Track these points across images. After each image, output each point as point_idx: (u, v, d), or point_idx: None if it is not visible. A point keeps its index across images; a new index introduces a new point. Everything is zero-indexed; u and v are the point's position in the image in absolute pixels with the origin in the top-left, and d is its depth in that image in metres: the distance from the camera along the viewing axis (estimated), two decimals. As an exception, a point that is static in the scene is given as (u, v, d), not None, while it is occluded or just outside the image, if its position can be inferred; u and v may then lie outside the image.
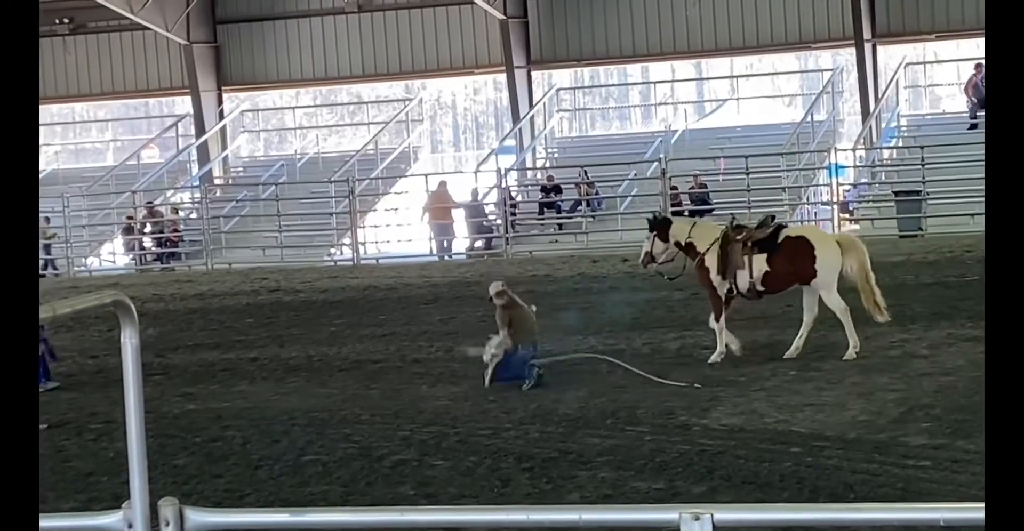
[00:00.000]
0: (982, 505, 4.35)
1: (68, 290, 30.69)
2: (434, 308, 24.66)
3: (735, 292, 17.66)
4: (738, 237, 17.62)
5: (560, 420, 14.49)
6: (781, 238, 17.55)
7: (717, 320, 17.69)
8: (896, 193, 35.03)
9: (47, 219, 40.77)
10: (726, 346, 17.64)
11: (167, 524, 4.74)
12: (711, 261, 17.65)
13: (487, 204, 39.05)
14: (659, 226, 18.35)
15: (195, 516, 4.77)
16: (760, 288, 17.61)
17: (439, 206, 38.42)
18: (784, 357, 17.36)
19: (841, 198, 36.58)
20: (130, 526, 4.77)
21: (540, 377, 16.50)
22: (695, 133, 41.42)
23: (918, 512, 4.71)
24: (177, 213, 43.10)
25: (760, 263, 17.46)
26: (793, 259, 17.43)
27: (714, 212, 36.98)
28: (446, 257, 37.93)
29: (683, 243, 17.96)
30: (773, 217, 18.62)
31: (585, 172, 38.02)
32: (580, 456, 12.73)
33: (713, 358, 17.58)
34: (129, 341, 4.81)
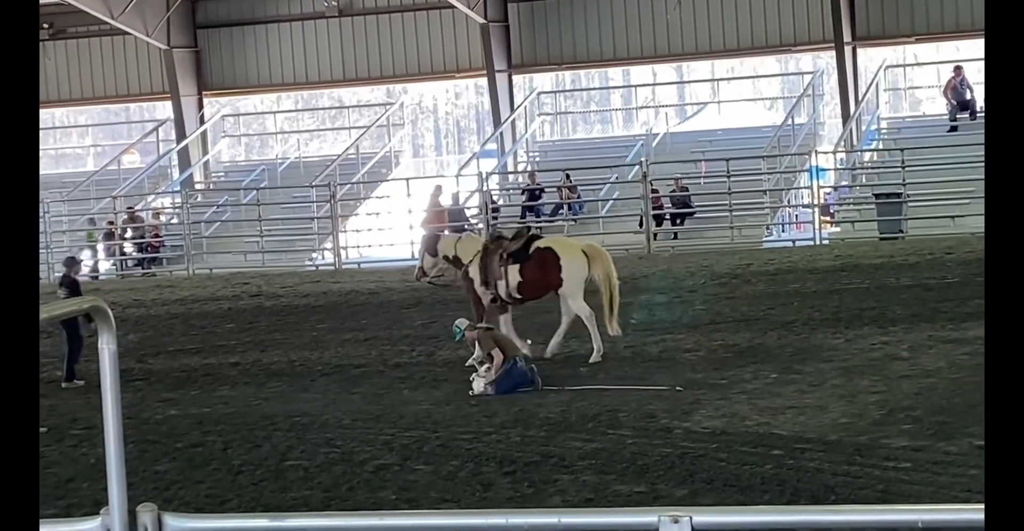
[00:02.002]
0: (962, 507, 4.35)
1: (47, 295, 30.56)
2: (415, 312, 24.64)
3: (499, 300, 18.87)
4: (496, 249, 18.93)
5: (542, 424, 14.49)
6: (532, 249, 18.80)
7: (481, 320, 18.85)
8: (876, 196, 35.10)
9: (91, 220, 40.62)
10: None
11: (145, 530, 4.73)
12: (474, 272, 18.98)
13: (469, 208, 39.05)
14: (427, 243, 19.94)
15: (173, 522, 4.76)
16: (517, 296, 18.84)
17: (435, 210, 38.29)
18: (545, 356, 18.29)
19: (822, 201, 36.68)
20: (108, 532, 4.75)
21: (534, 372, 16.67)
22: (676, 136, 41.45)
23: (899, 514, 4.71)
24: (158, 218, 43.04)
25: (514, 273, 18.72)
26: (542, 269, 18.64)
27: (695, 215, 37.07)
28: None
29: (450, 257, 19.39)
30: (528, 229, 19.92)
31: (567, 176, 38.04)
32: (562, 460, 12.73)
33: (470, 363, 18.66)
34: (107, 347, 4.80)
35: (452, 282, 20.02)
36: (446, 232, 23.66)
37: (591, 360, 18.13)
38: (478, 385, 16.59)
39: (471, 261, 18.96)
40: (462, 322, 17.39)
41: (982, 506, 4.31)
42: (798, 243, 35.18)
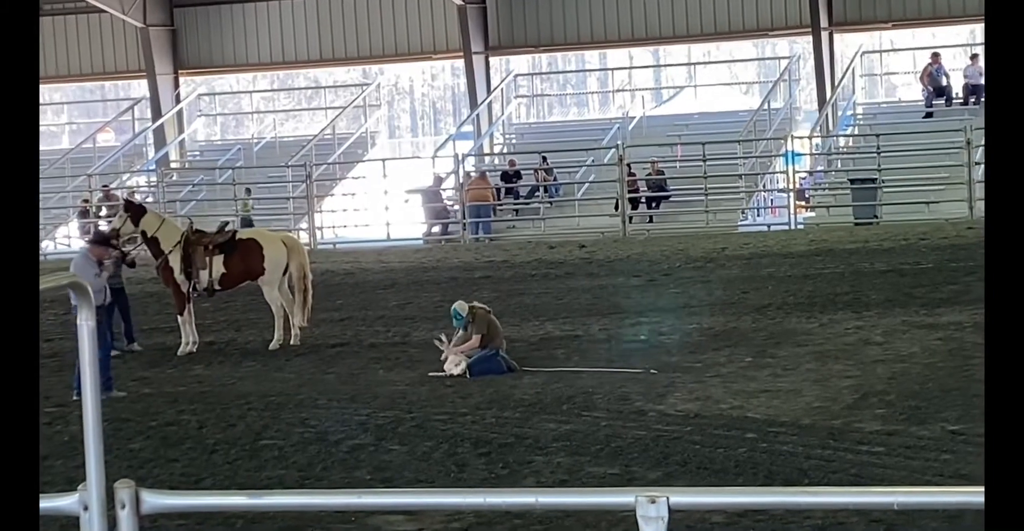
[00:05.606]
0: (934, 490, 4.37)
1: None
2: (391, 293, 24.64)
3: (195, 290, 19.72)
4: (200, 240, 19.72)
5: (516, 405, 14.51)
6: (236, 240, 19.82)
7: (181, 314, 19.64)
8: (852, 181, 35.17)
9: (248, 190, 40.08)
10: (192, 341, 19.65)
11: (123, 507, 4.72)
12: (175, 261, 19.70)
13: (445, 190, 39.00)
14: (135, 210, 20.35)
15: (151, 499, 4.75)
16: (217, 287, 19.79)
17: (479, 188, 37.56)
18: (269, 349, 19.26)
19: (797, 186, 36.73)
20: (86, 508, 4.74)
21: (509, 362, 16.68)
22: (652, 120, 41.47)
23: (871, 496, 4.74)
24: (133, 197, 42.88)
25: (219, 264, 19.62)
26: (246, 259, 19.62)
27: (671, 199, 37.10)
28: (486, 238, 36.80)
29: (149, 235, 19.92)
30: (226, 224, 21.40)
31: (544, 158, 38.01)
32: (536, 441, 12.75)
33: (182, 350, 19.38)
34: (85, 323, 4.78)
35: (134, 258, 20.11)
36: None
37: (271, 346, 19.24)
38: (449, 366, 16.59)
39: (171, 251, 19.66)
40: (462, 307, 17.14)
41: (956, 489, 4.33)
42: (773, 227, 35.25)
